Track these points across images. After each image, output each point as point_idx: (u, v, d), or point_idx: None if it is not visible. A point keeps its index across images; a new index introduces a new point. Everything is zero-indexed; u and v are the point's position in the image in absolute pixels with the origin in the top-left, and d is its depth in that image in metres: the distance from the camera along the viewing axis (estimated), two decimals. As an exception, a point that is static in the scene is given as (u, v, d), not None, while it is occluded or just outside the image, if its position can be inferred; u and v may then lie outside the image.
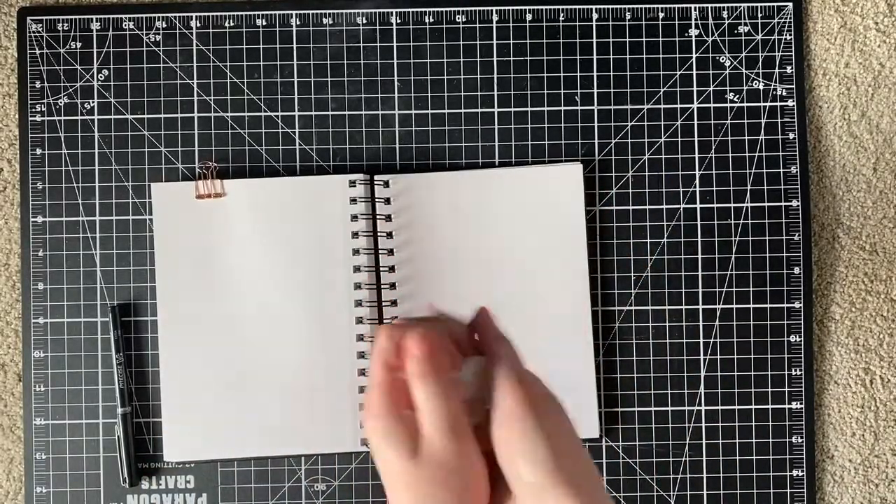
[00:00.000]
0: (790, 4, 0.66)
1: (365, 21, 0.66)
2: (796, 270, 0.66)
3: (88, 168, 0.65)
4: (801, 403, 0.65)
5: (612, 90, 0.66)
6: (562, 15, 0.66)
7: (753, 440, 0.65)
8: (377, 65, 0.66)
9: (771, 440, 0.65)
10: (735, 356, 0.65)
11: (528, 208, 0.65)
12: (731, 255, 0.66)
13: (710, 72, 0.66)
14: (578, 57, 0.66)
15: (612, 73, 0.66)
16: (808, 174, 0.66)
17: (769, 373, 0.65)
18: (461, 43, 0.66)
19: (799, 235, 0.66)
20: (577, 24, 0.66)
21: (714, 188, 0.66)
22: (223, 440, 0.63)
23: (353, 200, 0.64)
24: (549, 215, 0.65)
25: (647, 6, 0.66)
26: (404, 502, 0.40)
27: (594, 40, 0.66)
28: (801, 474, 0.65)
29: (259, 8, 0.66)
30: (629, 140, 0.66)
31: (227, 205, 0.64)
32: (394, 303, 0.64)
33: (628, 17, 0.66)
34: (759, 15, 0.66)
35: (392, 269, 0.64)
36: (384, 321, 0.64)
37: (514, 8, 0.66)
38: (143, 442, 0.65)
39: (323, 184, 0.64)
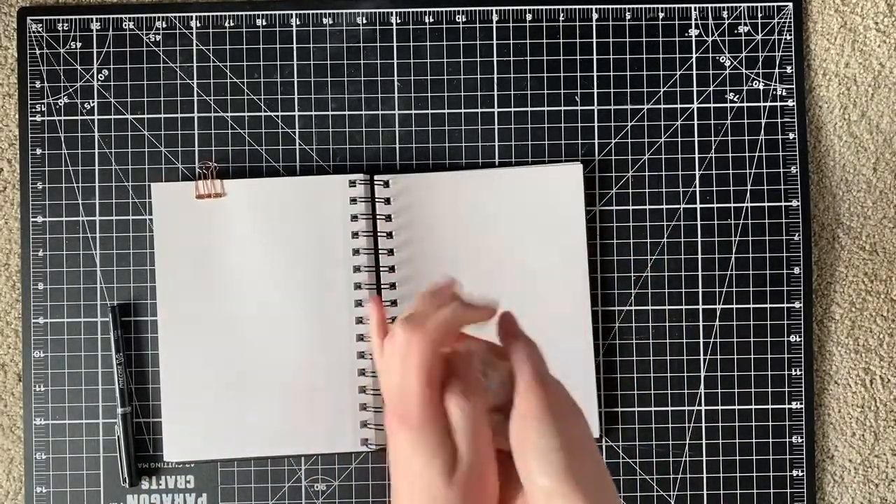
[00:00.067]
0: (790, 4, 0.66)
1: (365, 21, 0.66)
2: (796, 270, 0.66)
3: (88, 168, 0.65)
4: (801, 403, 0.65)
5: (612, 90, 0.66)
6: (562, 15, 0.66)
7: (753, 440, 0.65)
8: (377, 65, 0.66)
9: (771, 440, 0.65)
10: (735, 356, 0.65)
11: (528, 208, 0.65)
12: (731, 255, 0.66)
13: (710, 72, 0.66)
14: (578, 57, 0.66)
15: (612, 73, 0.66)
16: (808, 174, 0.66)
17: (769, 373, 0.65)
18: (461, 43, 0.66)
19: (799, 235, 0.66)
20: (577, 24, 0.66)
21: (714, 188, 0.66)
22: (223, 440, 0.63)
23: (353, 200, 0.64)
24: (549, 215, 0.65)
25: (647, 6, 0.66)
26: None
27: (594, 40, 0.66)
28: (801, 474, 0.65)
29: (259, 8, 0.66)
30: (629, 140, 0.66)
31: (227, 205, 0.64)
32: (394, 303, 0.64)
33: (628, 17, 0.66)
34: (759, 15, 0.66)
35: (392, 269, 0.64)
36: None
37: (514, 8, 0.66)
38: (143, 442, 0.65)
39: (323, 184, 0.64)
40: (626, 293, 0.65)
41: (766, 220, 0.66)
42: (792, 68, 0.66)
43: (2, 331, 0.66)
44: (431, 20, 0.66)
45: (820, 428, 0.66)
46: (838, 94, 0.67)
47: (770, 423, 0.65)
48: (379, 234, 0.64)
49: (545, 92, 0.66)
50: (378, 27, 0.66)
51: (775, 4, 0.66)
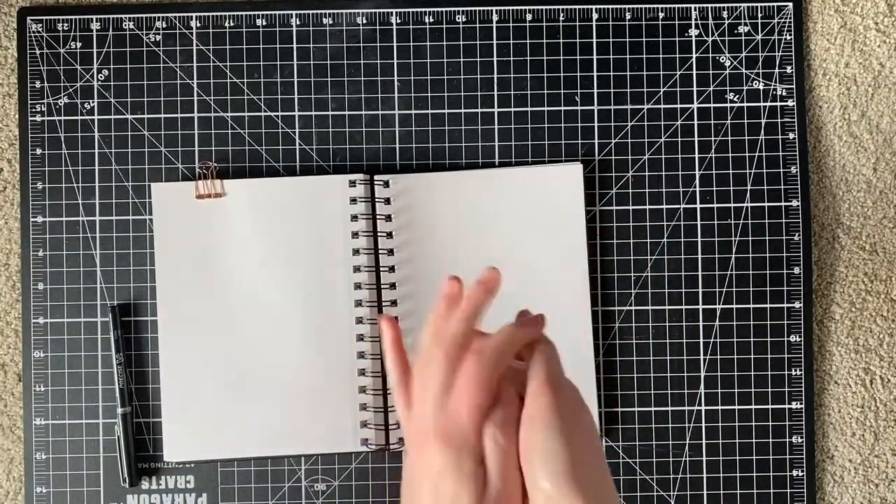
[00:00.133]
0: (790, 4, 0.66)
1: (365, 21, 0.66)
2: (796, 270, 0.66)
3: (88, 168, 0.65)
4: (801, 403, 0.65)
5: (612, 90, 0.66)
6: (562, 15, 0.66)
7: (753, 440, 0.65)
8: (377, 65, 0.66)
9: (771, 440, 0.65)
10: (735, 356, 0.65)
11: (528, 208, 0.65)
12: (731, 255, 0.66)
13: (710, 72, 0.66)
14: (578, 57, 0.66)
15: (612, 73, 0.66)
16: (808, 174, 0.66)
17: (769, 373, 0.65)
18: (461, 43, 0.66)
19: (799, 235, 0.66)
20: (577, 24, 0.66)
21: (714, 188, 0.66)
22: (223, 440, 0.63)
23: (353, 200, 0.64)
24: (549, 215, 0.65)
25: (647, 6, 0.66)
26: None
27: (594, 40, 0.66)
28: (801, 474, 0.65)
29: (259, 8, 0.66)
30: (629, 140, 0.66)
31: (227, 205, 0.64)
32: (394, 303, 0.64)
33: (628, 17, 0.66)
34: (759, 15, 0.66)
35: (392, 269, 0.64)
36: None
37: (514, 8, 0.66)
38: (143, 442, 0.65)
39: (323, 184, 0.64)
40: (626, 293, 0.65)
41: (766, 220, 0.66)
42: (792, 68, 0.66)
43: (2, 331, 0.66)
44: (431, 20, 0.66)
45: (820, 428, 0.66)
46: (838, 94, 0.67)
47: (770, 423, 0.65)
48: (379, 234, 0.64)
49: (545, 92, 0.66)
50: (378, 27, 0.66)
51: (775, 4, 0.66)
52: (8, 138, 0.66)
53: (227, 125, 0.66)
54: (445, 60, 0.66)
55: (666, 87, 0.66)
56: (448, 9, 0.66)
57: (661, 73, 0.66)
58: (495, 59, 0.66)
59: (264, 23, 0.66)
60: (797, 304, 0.65)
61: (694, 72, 0.66)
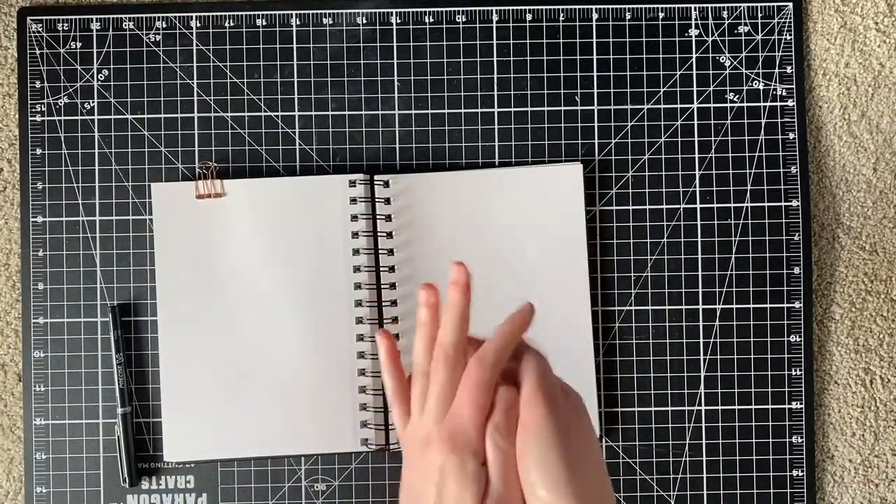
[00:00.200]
0: (790, 4, 0.66)
1: (365, 21, 0.66)
2: (796, 270, 0.66)
3: (88, 168, 0.65)
4: (801, 403, 0.65)
5: (612, 90, 0.66)
6: (562, 15, 0.66)
7: (753, 440, 0.65)
8: (377, 65, 0.66)
9: (771, 440, 0.65)
10: (735, 356, 0.65)
11: (528, 208, 0.65)
12: (731, 255, 0.66)
13: (710, 72, 0.66)
14: (578, 57, 0.66)
15: (612, 73, 0.66)
16: (808, 174, 0.66)
17: (769, 373, 0.65)
18: (461, 43, 0.66)
19: (799, 235, 0.66)
20: (577, 24, 0.66)
21: (714, 188, 0.66)
22: (223, 440, 0.63)
23: (353, 200, 0.64)
24: (549, 215, 0.65)
25: (647, 6, 0.66)
26: None
27: (594, 40, 0.66)
28: (801, 474, 0.65)
29: (259, 8, 0.66)
30: (629, 140, 0.66)
31: (227, 205, 0.64)
32: (394, 303, 0.64)
33: (628, 17, 0.66)
34: (759, 15, 0.66)
35: (392, 269, 0.64)
36: (384, 322, 0.64)
37: (514, 8, 0.66)
38: (143, 442, 0.65)
39: (323, 184, 0.64)
40: (626, 293, 0.65)
41: (766, 220, 0.66)
42: (792, 68, 0.66)
43: (2, 331, 0.66)
44: (431, 20, 0.66)
45: (820, 428, 0.66)
46: (838, 94, 0.67)
47: (770, 423, 0.65)
48: (379, 234, 0.64)
49: (545, 92, 0.66)
50: (378, 27, 0.66)
51: (775, 4, 0.66)
52: (8, 138, 0.66)
53: (227, 125, 0.66)
54: (445, 60, 0.66)
55: (666, 87, 0.66)
56: (448, 9, 0.66)
57: (661, 73, 0.66)
58: (495, 59, 0.66)
59: (264, 23, 0.66)
60: (797, 304, 0.65)
61: (694, 72, 0.66)
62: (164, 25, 0.66)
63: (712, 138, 0.66)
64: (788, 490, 0.65)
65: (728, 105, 0.66)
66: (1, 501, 0.65)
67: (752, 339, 0.65)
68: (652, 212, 0.66)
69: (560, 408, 0.42)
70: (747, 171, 0.66)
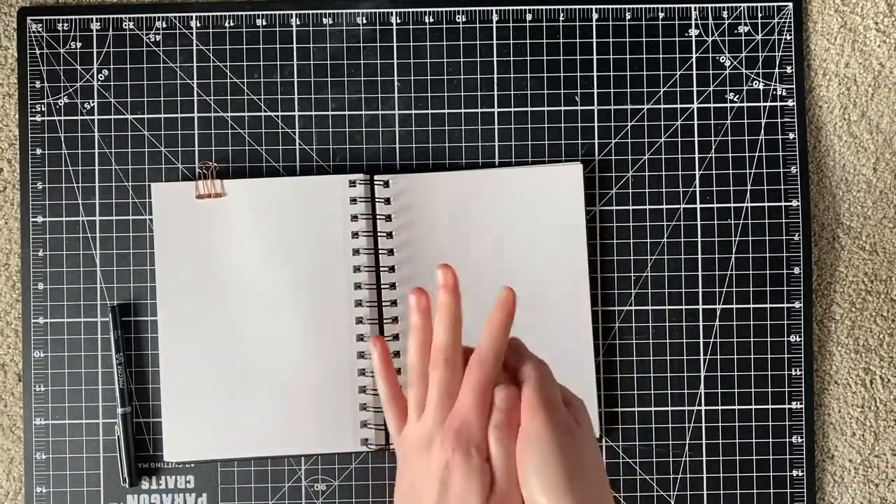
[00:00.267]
0: (790, 4, 0.66)
1: (365, 21, 0.66)
2: (796, 270, 0.66)
3: (88, 168, 0.65)
4: (801, 403, 0.65)
5: (612, 90, 0.66)
6: (562, 15, 0.66)
7: (753, 440, 0.65)
8: (377, 65, 0.66)
9: (771, 440, 0.65)
10: (735, 356, 0.65)
11: (528, 208, 0.65)
12: (731, 255, 0.66)
13: (710, 72, 0.66)
14: (578, 57, 0.66)
15: (612, 73, 0.66)
16: (808, 174, 0.66)
17: (769, 373, 0.65)
18: (461, 43, 0.66)
19: (799, 235, 0.66)
20: (577, 24, 0.66)
21: (714, 188, 0.66)
22: (223, 440, 0.63)
23: (353, 200, 0.64)
24: (549, 215, 0.65)
25: (647, 6, 0.66)
26: None
27: (594, 40, 0.66)
28: (801, 474, 0.65)
29: (259, 8, 0.66)
30: (629, 140, 0.66)
31: (227, 205, 0.64)
32: (394, 303, 0.64)
33: (628, 17, 0.66)
34: (759, 15, 0.66)
35: (392, 269, 0.64)
36: (384, 322, 0.64)
37: (514, 8, 0.66)
38: (143, 442, 0.65)
39: (323, 184, 0.64)
40: (626, 293, 0.65)
41: (766, 220, 0.66)
42: (792, 68, 0.66)
43: (2, 331, 0.66)
44: (431, 20, 0.66)
45: (820, 428, 0.66)
46: (838, 94, 0.67)
47: (770, 423, 0.65)
48: (379, 234, 0.64)
49: (545, 92, 0.66)
50: (378, 27, 0.66)
51: (775, 4, 0.66)
52: (8, 138, 0.66)
53: (227, 125, 0.66)
54: (445, 60, 0.66)
55: (666, 87, 0.66)
56: (448, 9, 0.66)
57: (661, 73, 0.66)
58: (495, 59, 0.66)
59: (264, 23, 0.66)
60: (797, 304, 0.65)
61: (694, 72, 0.66)
62: (164, 25, 0.66)
63: (712, 138, 0.66)
64: (788, 490, 0.65)
65: (728, 105, 0.66)
66: (1, 501, 0.65)
67: (752, 339, 0.65)
68: (652, 212, 0.66)
69: (560, 415, 0.43)
70: (747, 171, 0.66)
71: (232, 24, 0.66)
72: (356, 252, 0.64)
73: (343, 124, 0.66)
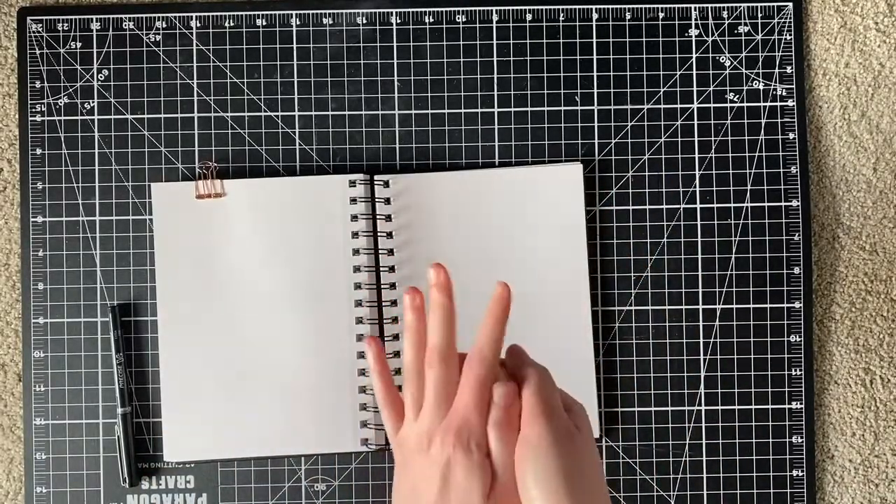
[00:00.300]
0: (790, 4, 0.66)
1: (365, 21, 0.66)
2: (796, 270, 0.66)
3: (88, 168, 0.65)
4: (801, 403, 0.65)
5: (612, 90, 0.66)
6: (562, 15, 0.66)
7: (753, 440, 0.65)
8: (377, 65, 0.66)
9: (771, 440, 0.65)
10: (735, 356, 0.65)
11: (528, 208, 0.65)
12: (731, 255, 0.66)
13: (710, 72, 0.66)
14: (578, 57, 0.66)
15: (612, 73, 0.66)
16: (808, 174, 0.66)
17: (769, 373, 0.65)
18: (461, 43, 0.66)
19: (799, 235, 0.66)
20: (577, 24, 0.66)
21: (714, 188, 0.66)
22: (223, 440, 0.63)
23: (353, 200, 0.64)
24: (549, 215, 0.65)
25: (647, 6, 0.66)
26: None
27: (594, 40, 0.66)
28: (801, 474, 0.65)
29: (259, 8, 0.66)
30: (629, 140, 0.66)
31: (227, 205, 0.64)
32: (394, 303, 0.64)
33: (628, 17, 0.66)
34: (759, 15, 0.66)
35: (392, 269, 0.64)
36: (384, 322, 0.64)
37: (514, 8, 0.66)
38: (143, 442, 0.65)
39: (323, 184, 0.64)
40: (626, 293, 0.65)
41: (766, 220, 0.66)
42: (792, 68, 0.66)
43: (2, 331, 0.66)
44: (431, 20, 0.66)
45: (820, 428, 0.66)
46: (838, 94, 0.67)
47: (770, 423, 0.65)
48: (379, 234, 0.64)
49: (545, 92, 0.66)
50: (378, 27, 0.66)
51: (775, 4, 0.66)
52: (8, 138, 0.66)
53: (227, 125, 0.66)
54: (445, 60, 0.66)
55: (666, 87, 0.66)
56: (448, 9, 0.66)
57: (661, 73, 0.66)
58: (495, 59, 0.66)
59: (264, 23, 0.66)
60: (797, 304, 0.65)
61: (694, 72, 0.66)
62: (164, 25, 0.66)
63: (712, 138, 0.66)
64: (788, 490, 0.65)
65: (728, 105, 0.66)
66: (1, 501, 0.65)
67: (752, 339, 0.65)
68: (652, 212, 0.66)
69: (560, 420, 0.43)
70: (747, 171, 0.66)
71: (232, 24, 0.66)
72: (356, 252, 0.64)
73: (343, 124, 0.66)
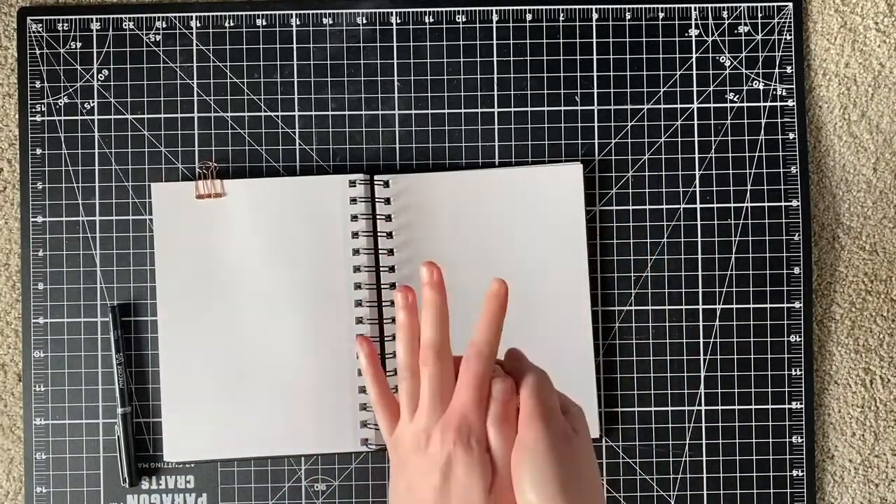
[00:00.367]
0: (790, 4, 0.66)
1: (365, 21, 0.66)
2: (796, 270, 0.66)
3: (88, 168, 0.65)
4: (801, 403, 0.65)
5: (612, 90, 0.66)
6: (562, 15, 0.66)
7: (753, 440, 0.65)
8: (377, 65, 0.66)
9: (771, 440, 0.65)
10: (735, 356, 0.65)
11: (528, 208, 0.65)
12: (731, 255, 0.66)
13: (710, 72, 0.66)
14: (578, 57, 0.66)
15: (612, 73, 0.66)
16: (808, 174, 0.66)
17: (769, 373, 0.65)
18: (461, 43, 0.66)
19: (799, 235, 0.66)
20: (577, 24, 0.66)
21: (714, 188, 0.66)
22: (223, 440, 0.63)
23: (353, 200, 0.64)
24: (549, 215, 0.65)
25: (647, 6, 0.66)
26: None
27: (594, 40, 0.66)
28: (801, 474, 0.65)
29: (259, 8, 0.66)
30: (629, 140, 0.66)
31: (227, 205, 0.64)
32: (394, 303, 0.64)
33: (628, 17, 0.66)
34: (759, 15, 0.66)
35: (392, 269, 0.64)
36: (384, 322, 0.64)
37: (514, 8, 0.66)
38: (143, 442, 0.65)
39: (323, 184, 0.64)
40: (626, 293, 0.65)
41: (766, 220, 0.66)
42: (792, 68, 0.66)
43: (2, 331, 0.66)
44: (431, 20, 0.66)
45: (820, 428, 0.66)
46: (838, 94, 0.67)
47: (770, 423, 0.65)
48: (379, 234, 0.64)
49: (545, 92, 0.66)
50: (378, 27, 0.66)
51: (775, 4, 0.66)
52: (8, 138, 0.66)
53: (227, 125, 0.66)
54: (445, 60, 0.66)
55: (666, 87, 0.66)
56: (448, 9, 0.66)
57: (661, 73, 0.66)
58: (495, 59, 0.66)
59: (264, 23, 0.66)
60: (797, 304, 0.65)
61: (694, 72, 0.66)
62: (164, 25, 0.66)
63: (712, 138, 0.66)
64: (788, 490, 0.65)
65: (728, 105, 0.66)
66: (1, 501, 0.65)
67: (752, 339, 0.65)
68: (652, 212, 0.66)
69: (557, 423, 0.43)
70: (747, 171, 0.66)
71: (232, 24, 0.66)
72: (356, 252, 0.64)
73: (343, 124, 0.66)
